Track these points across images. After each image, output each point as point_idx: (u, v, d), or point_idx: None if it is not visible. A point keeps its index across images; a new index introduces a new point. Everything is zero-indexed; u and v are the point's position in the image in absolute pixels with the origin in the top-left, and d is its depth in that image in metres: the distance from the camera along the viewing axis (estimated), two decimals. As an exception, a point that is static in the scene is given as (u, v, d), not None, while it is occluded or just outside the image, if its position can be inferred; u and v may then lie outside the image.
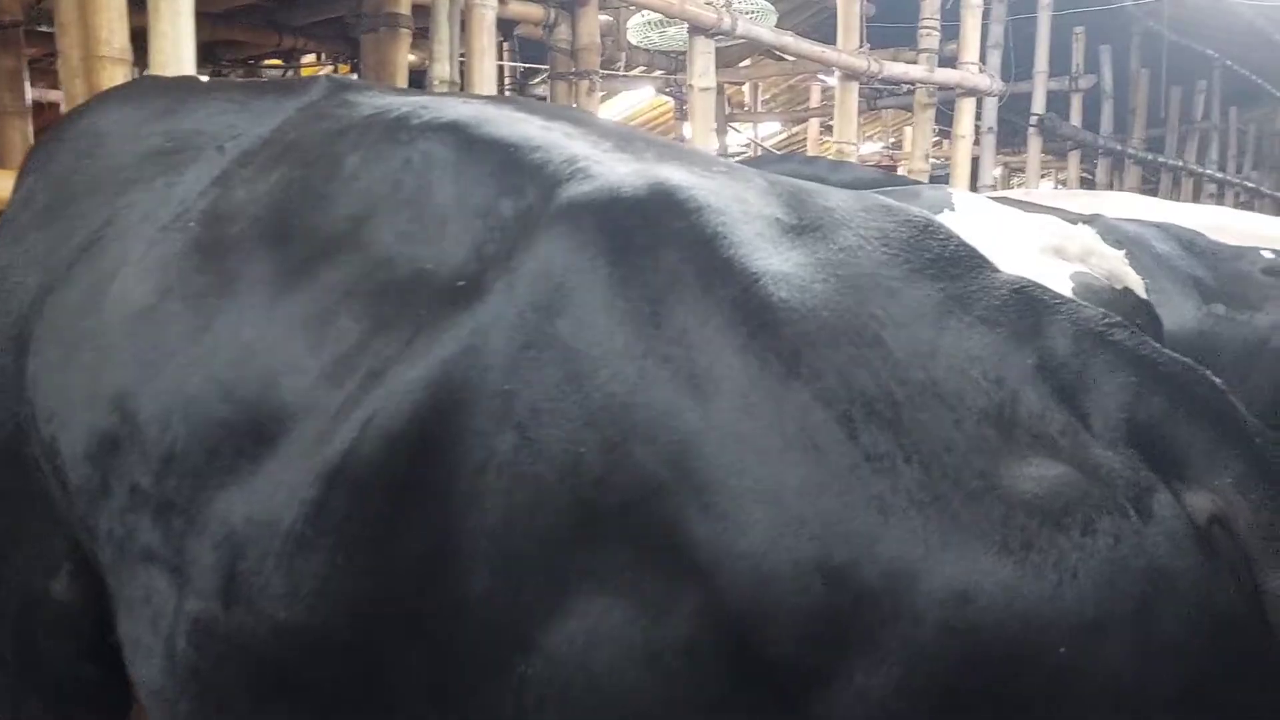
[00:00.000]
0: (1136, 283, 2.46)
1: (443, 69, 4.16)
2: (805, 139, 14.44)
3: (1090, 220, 3.46)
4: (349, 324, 1.31)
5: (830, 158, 5.70)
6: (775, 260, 1.16)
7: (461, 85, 4.15)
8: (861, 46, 6.21)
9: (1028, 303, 1.17)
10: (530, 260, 1.24)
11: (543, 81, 6.33)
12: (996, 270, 1.22)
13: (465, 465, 1.17)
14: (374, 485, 1.21)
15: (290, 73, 7.86)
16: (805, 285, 1.15)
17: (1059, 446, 1.08)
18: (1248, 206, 14.44)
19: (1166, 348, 1.13)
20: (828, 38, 6.45)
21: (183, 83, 2.14)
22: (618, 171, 1.30)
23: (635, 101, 11.47)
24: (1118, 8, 8.95)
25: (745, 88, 11.65)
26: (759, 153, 13.25)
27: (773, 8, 6.39)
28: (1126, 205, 4.49)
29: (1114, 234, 3.38)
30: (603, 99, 11.64)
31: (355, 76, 6.51)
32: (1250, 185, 13.86)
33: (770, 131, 14.42)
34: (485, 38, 4.07)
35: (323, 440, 1.25)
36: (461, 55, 4.31)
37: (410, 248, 1.35)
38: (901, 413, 1.08)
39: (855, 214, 1.26)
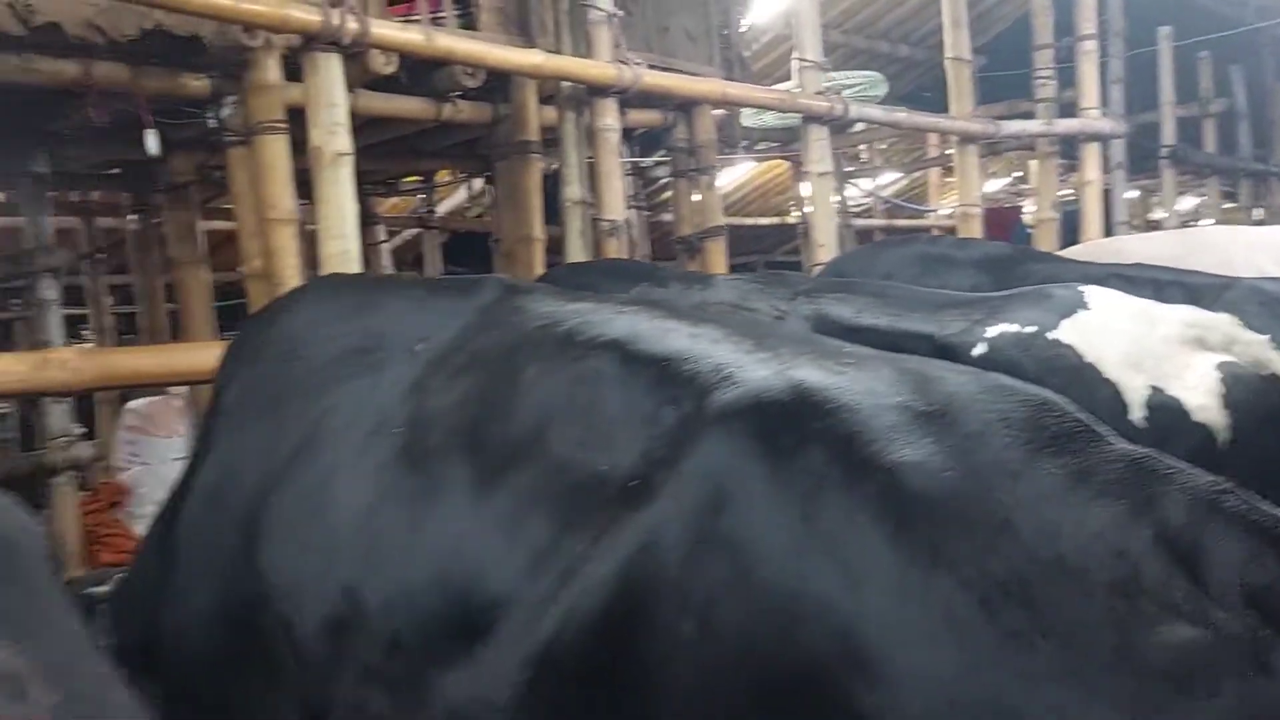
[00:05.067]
0: (1284, 366, 2.51)
1: (574, 191, 4.45)
2: (926, 184, 14.40)
3: (1230, 285, 3.46)
4: (540, 524, 1.53)
5: (954, 232, 5.76)
6: (909, 451, 1.33)
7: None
8: (974, 107, 6.27)
9: (1142, 474, 1.29)
10: (691, 463, 1.44)
11: (664, 180, 6.62)
12: (1111, 443, 1.35)
13: (653, 650, 1.36)
14: (574, 671, 1.42)
15: (428, 192, 8.39)
16: (938, 474, 1.31)
17: (1182, 613, 1.19)
18: None
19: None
20: (940, 94, 6.51)
21: (364, 281, 2.43)
22: (758, 375, 1.49)
23: (742, 171, 12.02)
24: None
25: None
26: (881, 205, 13.34)
27: (882, 76, 6.51)
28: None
29: (1258, 296, 3.37)
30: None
31: (489, 193, 6.92)
32: None
33: (889, 179, 14.46)
34: (611, 160, 4.36)
35: (527, 630, 1.46)
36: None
37: (586, 453, 1.57)
38: (1034, 591, 1.22)
39: (976, 398, 1.41)
